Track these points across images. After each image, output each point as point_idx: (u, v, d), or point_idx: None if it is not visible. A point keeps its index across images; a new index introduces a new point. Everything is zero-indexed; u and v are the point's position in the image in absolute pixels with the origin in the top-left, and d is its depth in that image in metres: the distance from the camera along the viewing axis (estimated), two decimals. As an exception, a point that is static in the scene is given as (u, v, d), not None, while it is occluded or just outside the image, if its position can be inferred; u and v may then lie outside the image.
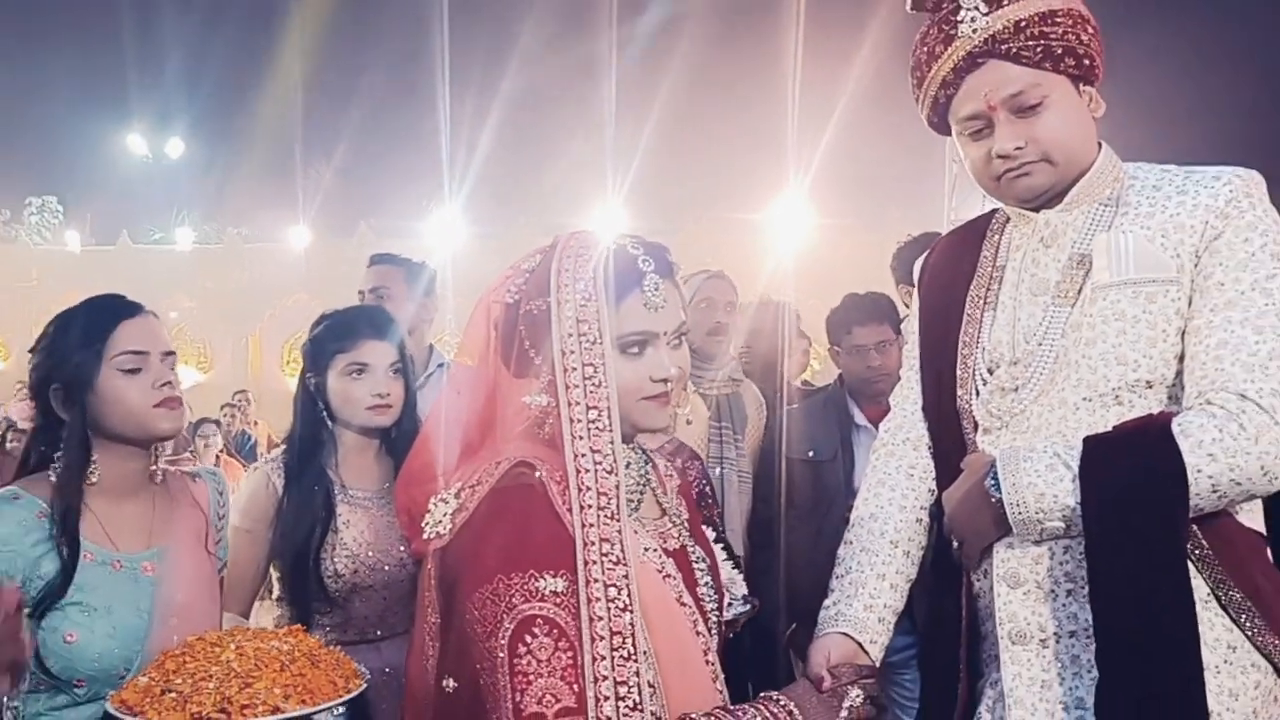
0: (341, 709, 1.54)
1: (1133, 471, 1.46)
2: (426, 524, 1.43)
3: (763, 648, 2.98)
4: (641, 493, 1.55)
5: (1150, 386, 1.56)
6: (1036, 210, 1.68)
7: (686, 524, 1.62)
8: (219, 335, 19.09)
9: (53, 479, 1.81)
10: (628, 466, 1.51)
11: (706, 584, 1.57)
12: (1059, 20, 1.58)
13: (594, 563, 1.34)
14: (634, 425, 1.49)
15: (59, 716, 1.77)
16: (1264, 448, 1.43)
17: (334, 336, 2.29)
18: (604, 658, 1.30)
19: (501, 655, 1.30)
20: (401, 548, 2.19)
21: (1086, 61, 1.61)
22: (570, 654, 1.30)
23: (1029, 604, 1.59)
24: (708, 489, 2.77)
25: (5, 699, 1.72)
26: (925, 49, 1.67)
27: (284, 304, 18.07)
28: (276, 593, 2.25)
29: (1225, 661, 1.51)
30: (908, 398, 1.85)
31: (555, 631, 1.31)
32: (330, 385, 2.28)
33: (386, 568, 2.21)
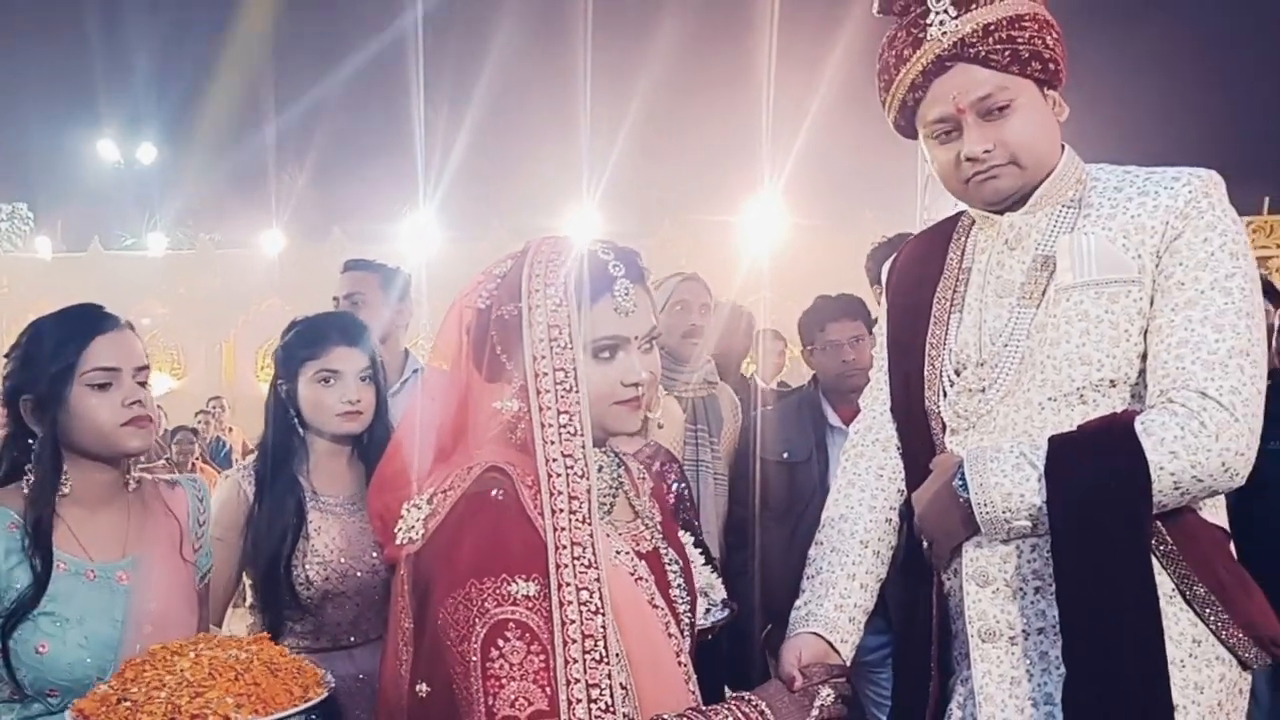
0: (303, 718, 1.53)
1: (1097, 470, 1.49)
2: (399, 530, 1.43)
3: (739, 649, 3.00)
4: (614, 496, 1.56)
5: (1114, 385, 1.58)
6: (1001, 213, 1.70)
7: (660, 526, 1.63)
8: (192, 341, 18.95)
9: (25, 490, 1.80)
10: (600, 470, 1.52)
11: (679, 586, 1.58)
12: (1026, 24, 1.61)
13: (566, 566, 1.34)
14: (605, 430, 1.50)
15: None
16: (1224, 444, 1.46)
17: (304, 343, 2.28)
18: (576, 660, 1.31)
19: (474, 659, 1.30)
20: (374, 554, 2.19)
21: (1052, 66, 1.64)
22: (542, 657, 1.31)
23: (998, 602, 1.61)
24: (685, 492, 2.79)
25: None
26: (893, 52, 1.68)
27: (257, 310, 17.98)
28: (250, 600, 2.24)
29: (1190, 655, 1.54)
30: (877, 399, 1.87)
31: (527, 635, 1.31)
32: (301, 392, 2.27)
33: (358, 574, 2.20)
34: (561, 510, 1.37)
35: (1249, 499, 2.82)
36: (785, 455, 3.27)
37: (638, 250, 1.55)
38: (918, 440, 1.75)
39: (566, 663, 1.31)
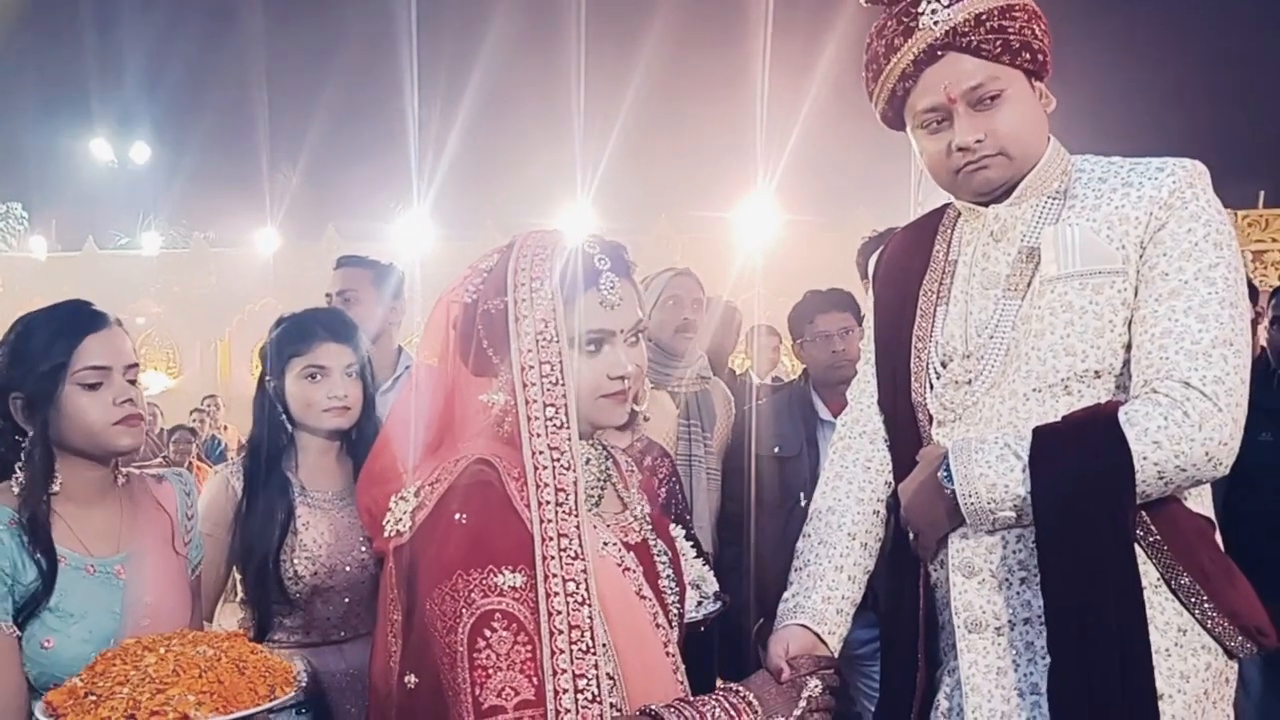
0: (299, 713, 1.54)
1: (1081, 460, 1.49)
2: (387, 523, 1.44)
3: (732, 642, 3.01)
4: (603, 488, 1.57)
5: (1099, 376, 1.59)
6: (987, 205, 1.70)
7: (649, 519, 1.63)
8: (187, 340, 18.95)
9: (14, 489, 1.80)
10: (588, 463, 1.52)
11: (668, 577, 1.58)
12: (1016, 14, 1.61)
13: (552, 558, 1.35)
14: (592, 423, 1.50)
15: None
16: (1208, 434, 1.47)
17: (290, 340, 2.29)
18: (563, 651, 1.31)
19: (461, 650, 1.31)
20: (363, 549, 2.19)
21: (1040, 56, 1.64)
22: (529, 648, 1.31)
23: (984, 593, 1.61)
24: (676, 486, 2.80)
25: None
26: (883, 42, 1.68)
27: (253, 308, 17.97)
28: (241, 595, 2.25)
29: (1176, 644, 1.55)
30: (864, 392, 1.87)
31: (514, 626, 1.32)
32: (288, 388, 2.28)
33: (347, 569, 2.21)
34: (548, 502, 1.37)
35: (1240, 490, 2.85)
36: (777, 450, 3.27)
37: (625, 244, 1.56)
38: (905, 433, 1.75)
39: (553, 653, 1.31)
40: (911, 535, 1.71)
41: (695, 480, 3.23)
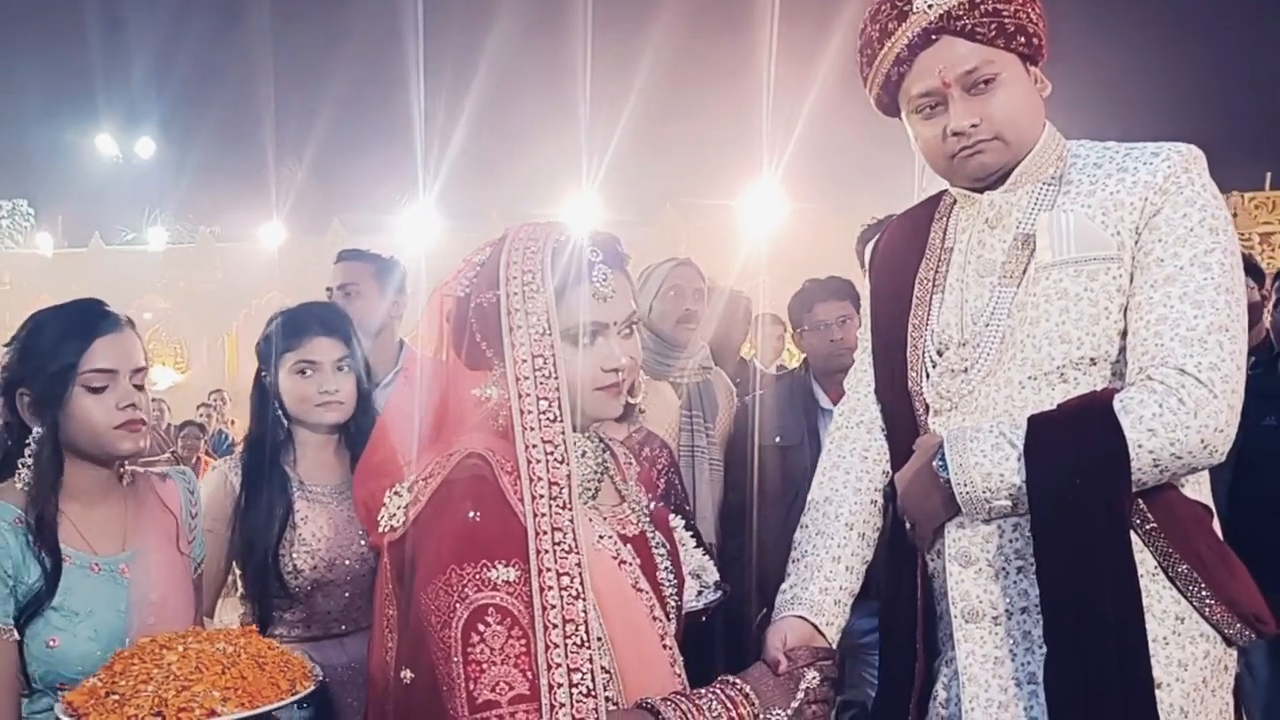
0: (301, 707, 1.54)
1: (1076, 449, 1.48)
2: (381, 518, 1.44)
3: (734, 633, 3.01)
4: (600, 480, 1.56)
5: (1094, 363, 1.58)
6: (982, 192, 1.69)
7: (646, 510, 1.63)
8: (194, 335, 18.99)
9: (19, 486, 1.81)
10: (584, 455, 1.52)
11: (666, 569, 1.58)
12: None
13: (546, 551, 1.35)
14: (587, 415, 1.50)
15: (44, 719, 1.77)
16: (1203, 421, 1.46)
17: (283, 335, 2.30)
18: (557, 645, 1.31)
19: (455, 644, 1.31)
20: (363, 543, 2.20)
21: (1035, 40, 1.63)
22: (523, 642, 1.31)
23: (981, 582, 1.61)
24: (676, 479, 2.80)
25: None
26: (877, 26, 1.67)
27: (259, 303, 17.99)
28: (241, 590, 2.26)
29: (1174, 633, 1.54)
30: (861, 381, 1.87)
31: (508, 620, 1.32)
32: (282, 384, 2.29)
33: (347, 563, 2.22)
34: (541, 496, 1.37)
35: (1245, 476, 2.84)
36: (778, 439, 3.27)
37: (619, 237, 1.55)
38: (901, 422, 1.75)
39: (547, 647, 1.31)
40: (908, 525, 1.70)
41: (698, 471, 3.22)
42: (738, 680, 1.48)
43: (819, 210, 16.16)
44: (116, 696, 1.53)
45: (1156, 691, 1.46)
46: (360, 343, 2.35)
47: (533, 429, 1.40)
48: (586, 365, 1.46)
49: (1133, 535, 1.51)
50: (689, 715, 1.38)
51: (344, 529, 2.23)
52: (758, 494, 3.23)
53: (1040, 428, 1.52)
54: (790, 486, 3.18)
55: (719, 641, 2.97)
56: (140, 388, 1.86)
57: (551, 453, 1.39)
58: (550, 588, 1.33)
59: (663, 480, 2.69)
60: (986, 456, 1.52)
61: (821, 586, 1.71)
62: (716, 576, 2.38)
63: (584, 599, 1.35)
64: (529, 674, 1.30)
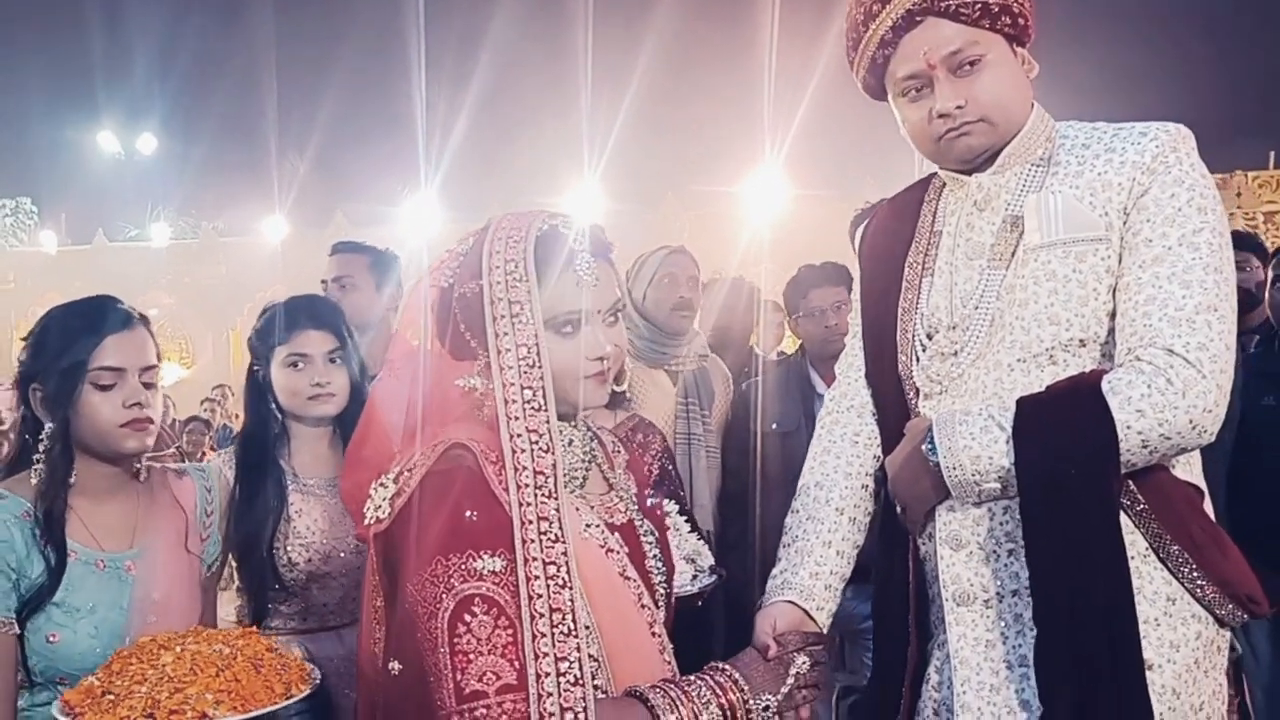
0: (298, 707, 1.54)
1: (1064, 430, 1.48)
2: (367, 509, 1.43)
3: (735, 620, 3.00)
4: (588, 469, 1.56)
5: (1083, 345, 1.57)
6: (970, 174, 1.68)
7: (635, 498, 1.63)
8: (199, 331, 19.01)
9: (33, 480, 1.81)
10: (570, 444, 1.52)
11: (655, 557, 1.58)
12: None
13: (532, 541, 1.34)
14: (572, 404, 1.49)
15: (44, 712, 1.77)
16: (1191, 401, 1.45)
17: (274, 328, 2.30)
18: (544, 634, 1.31)
19: (442, 635, 1.30)
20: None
21: (1021, 21, 1.62)
22: (510, 631, 1.31)
23: (971, 565, 1.61)
24: (669, 464, 2.79)
25: None
26: (862, 9, 1.66)
27: (263, 297, 18.01)
28: (237, 582, 2.26)
29: (1165, 614, 1.53)
30: (852, 365, 1.86)
31: (494, 610, 1.31)
32: (274, 377, 2.29)
33: (343, 555, 2.22)
34: (527, 485, 1.36)
35: (1244, 455, 2.84)
36: (775, 425, 3.27)
37: (601, 225, 1.55)
38: (892, 406, 1.74)
39: (534, 636, 1.31)
40: (899, 509, 1.70)
41: (695, 459, 3.21)
42: (727, 666, 1.48)
43: (821, 197, 16.10)
44: (112, 696, 1.53)
45: (1148, 673, 1.46)
46: (354, 335, 2.35)
47: (517, 418, 1.39)
48: (571, 353, 1.45)
49: (1123, 517, 1.51)
50: (678, 702, 1.37)
51: (339, 522, 2.23)
52: (756, 480, 3.22)
53: (1029, 410, 1.51)
54: (788, 472, 3.17)
55: (718, 628, 2.97)
56: (151, 385, 1.87)
57: (536, 442, 1.39)
58: (537, 577, 1.33)
59: (655, 466, 2.68)
60: (975, 439, 1.52)
61: (812, 571, 1.70)
62: (711, 561, 2.37)
63: (571, 588, 1.34)
64: (516, 664, 1.30)
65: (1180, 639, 1.53)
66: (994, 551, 1.59)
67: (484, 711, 1.27)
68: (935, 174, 1.80)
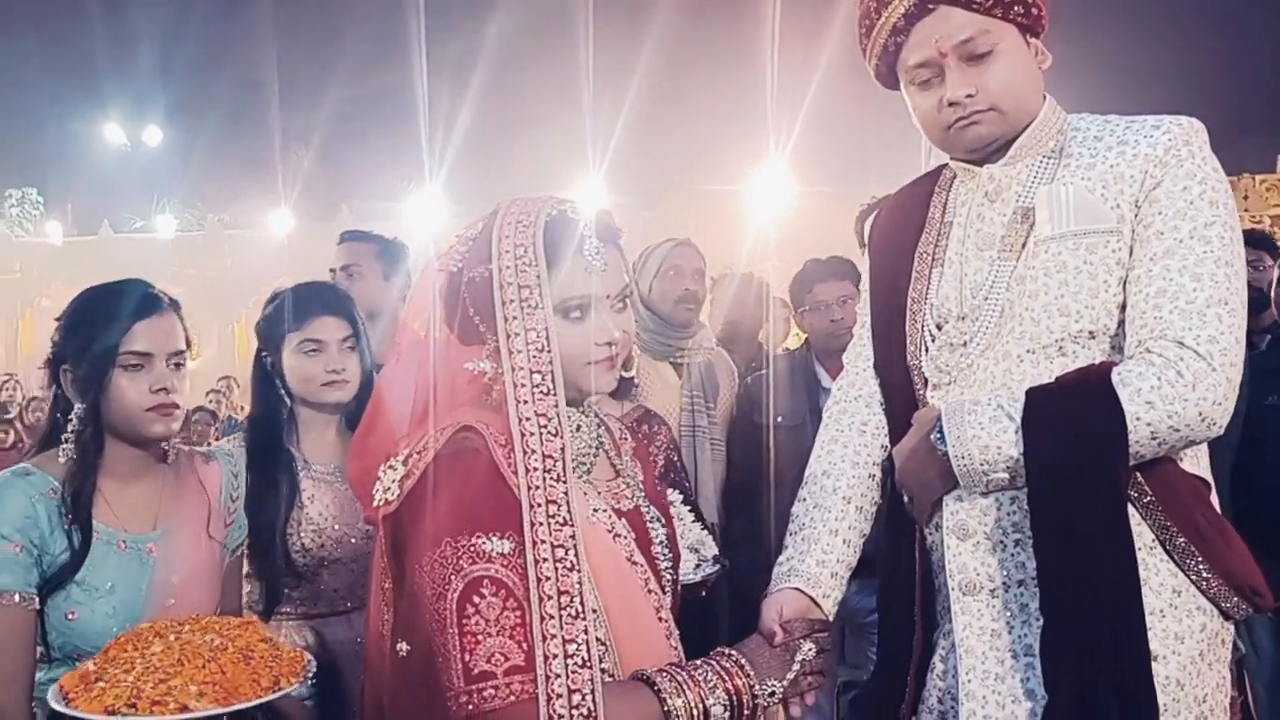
0: (306, 688, 1.53)
1: (1073, 421, 1.48)
2: (376, 491, 1.44)
3: (743, 613, 3.00)
4: (595, 455, 1.56)
5: (1093, 337, 1.57)
6: (981, 164, 1.69)
7: (642, 485, 1.63)
8: (205, 323, 18.98)
9: (61, 459, 1.83)
10: (578, 430, 1.52)
11: (661, 543, 1.59)
12: None
13: (540, 524, 1.35)
14: (580, 389, 1.50)
15: None
16: (1201, 394, 1.45)
17: (286, 315, 2.30)
18: (552, 617, 1.32)
19: (450, 616, 1.31)
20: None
21: (1034, 11, 1.62)
22: (518, 613, 1.32)
23: (978, 555, 1.61)
24: (675, 456, 2.79)
25: None
26: None
27: (269, 289, 17.99)
28: (247, 569, 2.27)
29: (1170, 606, 1.53)
30: (860, 355, 1.86)
31: (503, 592, 1.32)
32: (286, 363, 2.29)
33: (353, 540, 2.23)
34: (535, 469, 1.37)
35: (1249, 453, 2.84)
36: (780, 419, 3.27)
37: (610, 210, 1.55)
38: (900, 395, 1.74)
39: (542, 619, 1.31)
40: (906, 498, 1.70)
41: (699, 451, 3.22)
42: (733, 651, 1.48)
43: (827, 193, 16.06)
44: (102, 683, 1.54)
45: (1153, 664, 1.46)
46: (364, 322, 2.35)
47: (526, 402, 1.40)
48: (580, 338, 1.46)
49: (1130, 508, 1.51)
50: (684, 686, 1.38)
51: (349, 507, 2.24)
52: (762, 474, 3.22)
53: (1038, 400, 1.51)
54: (793, 466, 3.17)
55: (723, 621, 2.98)
56: (180, 366, 1.88)
57: (545, 426, 1.39)
58: (545, 560, 1.33)
59: (661, 456, 2.69)
60: (984, 429, 1.52)
61: (818, 559, 1.71)
62: (715, 550, 2.38)
63: (578, 571, 1.35)
64: (524, 645, 1.30)
65: (1185, 631, 1.53)
66: (1001, 541, 1.59)
67: (492, 692, 1.28)
68: (945, 165, 1.80)
